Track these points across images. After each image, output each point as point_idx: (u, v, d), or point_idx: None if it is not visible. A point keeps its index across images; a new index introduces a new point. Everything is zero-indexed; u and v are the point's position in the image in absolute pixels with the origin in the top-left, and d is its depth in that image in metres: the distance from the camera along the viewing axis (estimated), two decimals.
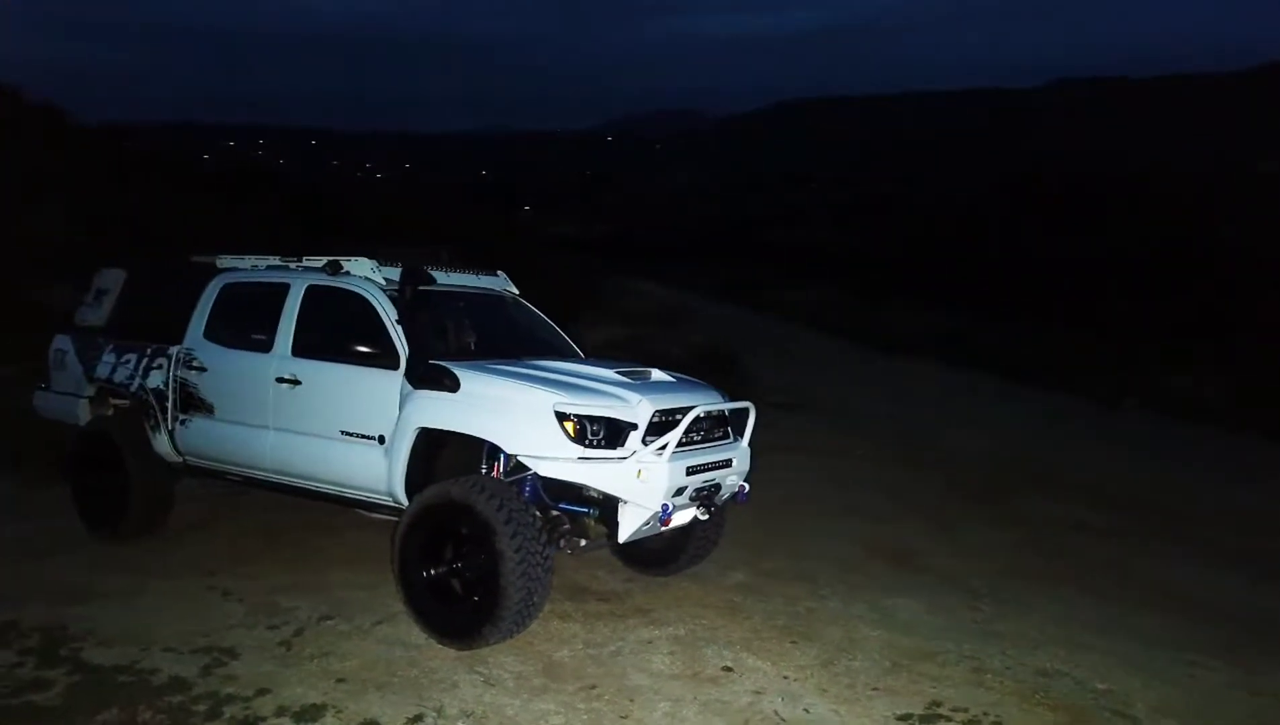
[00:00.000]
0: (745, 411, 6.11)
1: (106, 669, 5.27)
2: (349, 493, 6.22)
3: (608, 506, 5.64)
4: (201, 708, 4.84)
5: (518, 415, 5.45)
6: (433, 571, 5.55)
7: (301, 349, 6.42)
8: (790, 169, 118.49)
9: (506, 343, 6.81)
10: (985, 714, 4.82)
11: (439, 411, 5.66)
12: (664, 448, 5.47)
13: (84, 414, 7.62)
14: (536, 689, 5.05)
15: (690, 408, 5.68)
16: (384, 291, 6.28)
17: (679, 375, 6.46)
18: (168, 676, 5.17)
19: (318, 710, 4.80)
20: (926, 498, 10.40)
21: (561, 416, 5.37)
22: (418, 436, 5.75)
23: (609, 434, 5.43)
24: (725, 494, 5.99)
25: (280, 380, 6.41)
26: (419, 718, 4.74)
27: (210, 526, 7.90)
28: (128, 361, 7.34)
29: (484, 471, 5.86)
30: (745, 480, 6.18)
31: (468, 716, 4.75)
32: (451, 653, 5.45)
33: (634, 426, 5.49)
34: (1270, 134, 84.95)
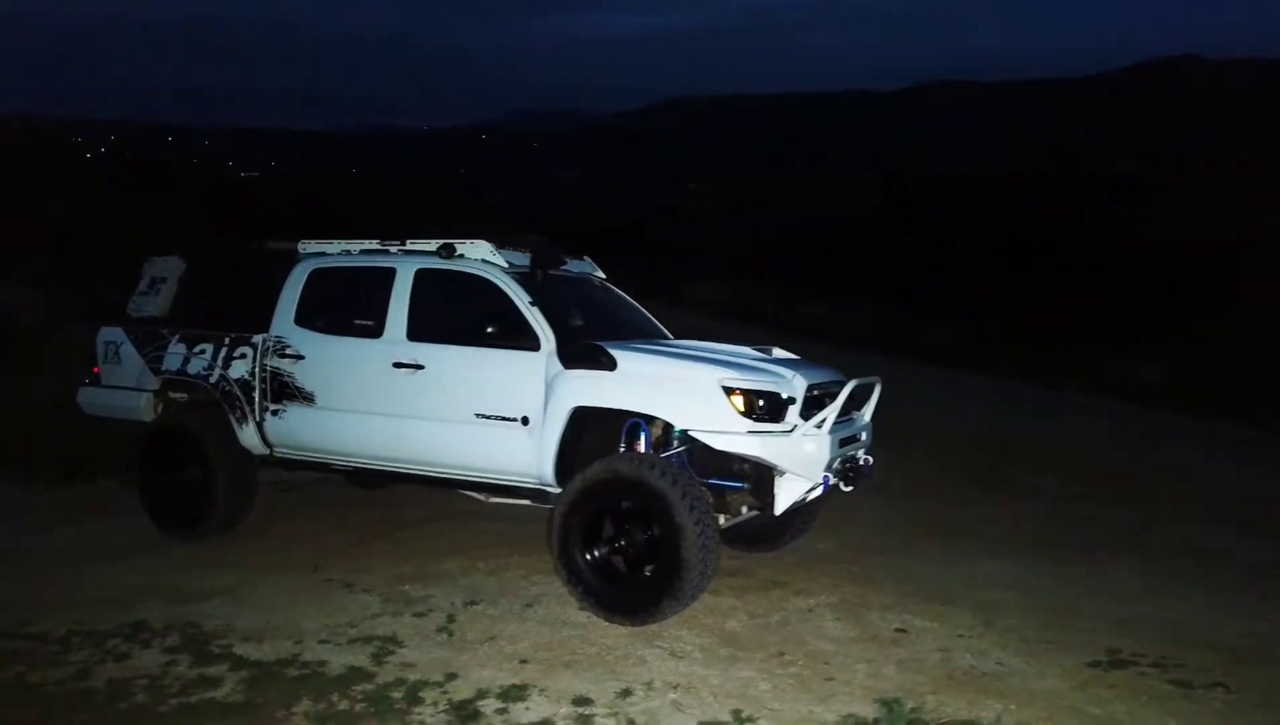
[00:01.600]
0: (871, 386, 6.31)
1: (269, 663, 5.14)
2: (482, 476, 6.15)
3: (762, 480, 5.76)
4: (398, 694, 4.76)
5: (685, 391, 5.51)
6: (597, 550, 5.56)
7: (419, 333, 6.31)
8: (672, 168, 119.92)
9: (605, 324, 6.83)
10: (1164, 658, 5.13)
11: (598, 390, 5.67)
12: (823, 422, 5.62)
13: (147, 409, 7.29)
14: (726, 659, 5.11)
15: (840, 383, 5.85)
16: (509, 274, 6.24)
17: (794, 355, 6.63)
18: (342, 667, 5.07)
19: (520, 690, 4.76)
20: (930, 477, 10.76)
21: (729, 391, 5.47)
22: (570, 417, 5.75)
23: (771, 409, 5.55)
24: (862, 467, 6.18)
25: (398, 365, 6.29)
26: (627, 692, 4.74)
27: (279, 521, 7.65)
28: (202, 352, 7.06)
29: (620, 450, 5.89)
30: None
31: (675, 688, 4.77)
32: (621, 630, 5.46)
33: (792, 401, 5.63)
34: (1129, 135, 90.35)
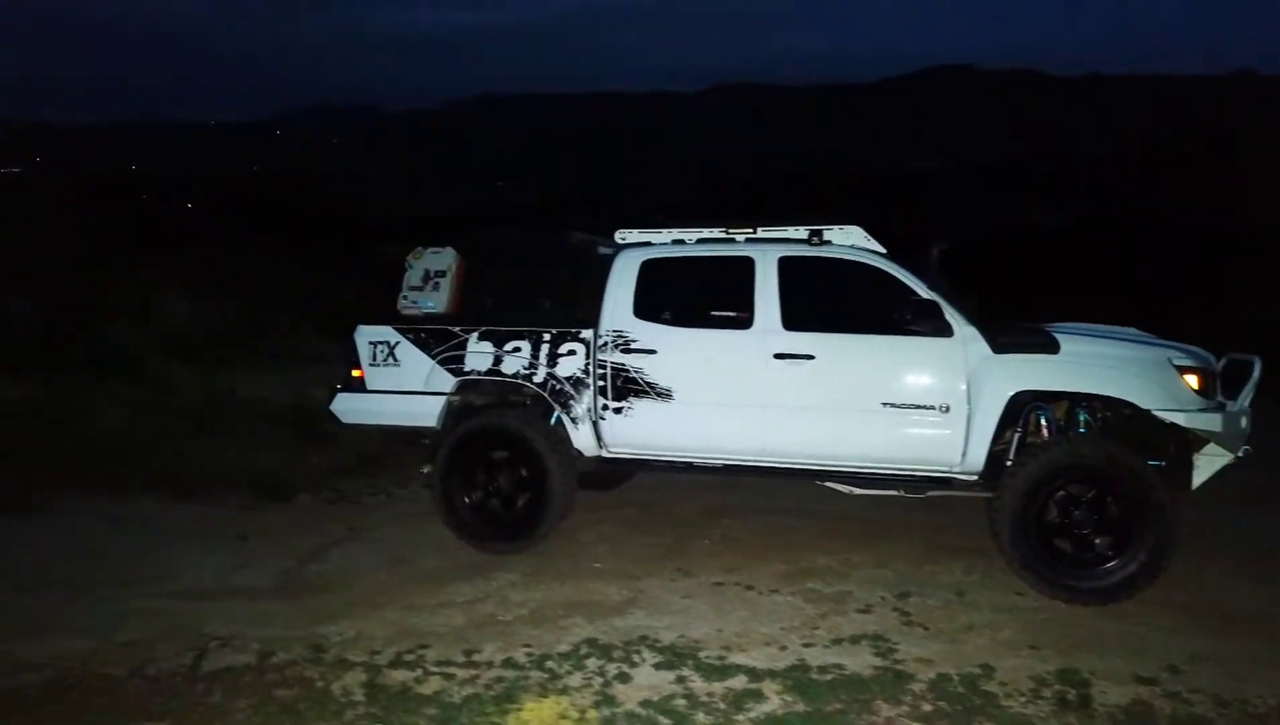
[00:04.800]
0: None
1: (780, 671, 4.89)
2: (883, 466, 6.06)
3: (1180, 456, 5.97)
4: (974, 690, 4.68)
5: (1141, 372, 5.64)
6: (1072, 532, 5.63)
7: (797, 323, 6.14)
8: (476, 166, 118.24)
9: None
10: None
11: (1041, 374, 5.70)
12: (1249, 397, 5.88)
13: (440, 414, 6.73)
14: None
15: (1252, 360, 6.06)
16: (891, 259, 6.18)
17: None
18: (868, 668, 4.92)
19: (1071, 674, 4.78)
20: None
21: (1181, 370, 5.65)
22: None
23: (1215, 386, 5.78)
24: None
25: (780, 356, 6.11)
26: (1173, 669, 4.85)
27: (586, 526, 7.23)
28: (517, 350, 6.59)
29: (1017, 433, 5.97)
30: None
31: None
32: (1114, 608, 5.53)
33: (1218, 377, 5.88)
34: (924, 136, 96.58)
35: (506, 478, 6.55)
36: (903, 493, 6.22)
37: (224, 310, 11.29)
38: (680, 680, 4.82)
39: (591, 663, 5.01)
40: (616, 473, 7.33)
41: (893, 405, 5.91)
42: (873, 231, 6.28)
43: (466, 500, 6.59)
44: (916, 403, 5.88)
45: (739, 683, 4.78)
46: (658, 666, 4.97)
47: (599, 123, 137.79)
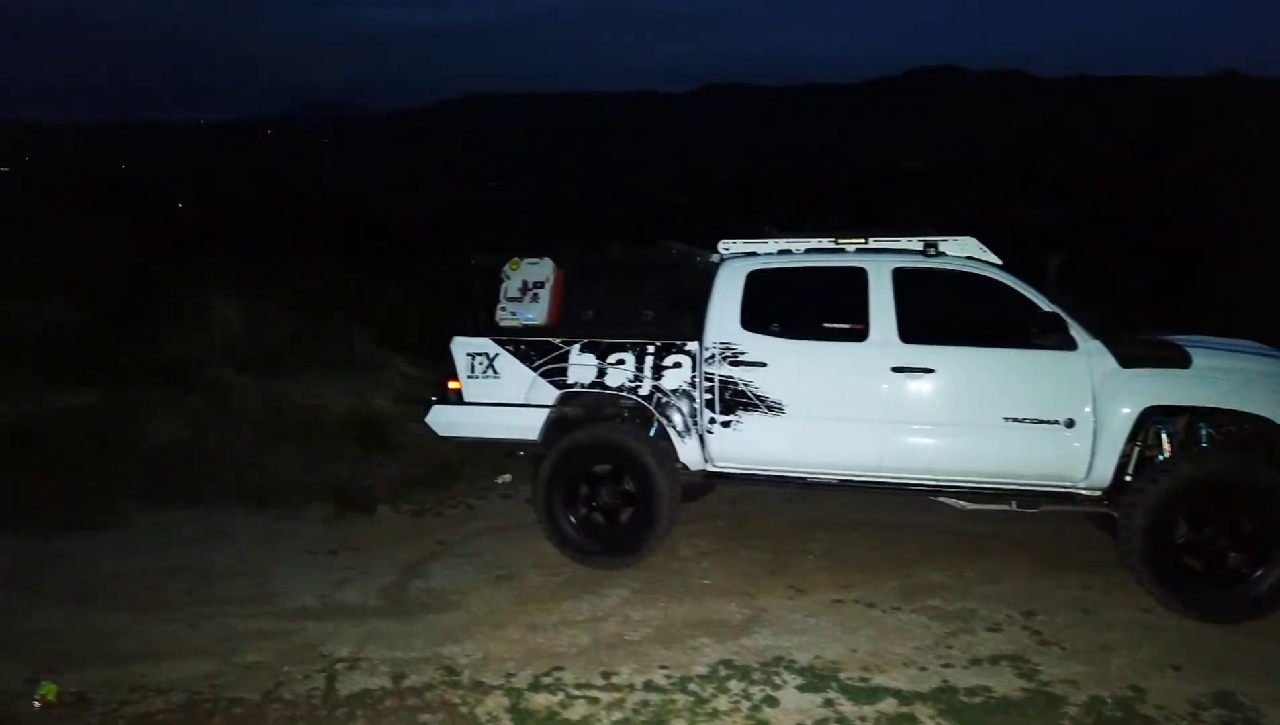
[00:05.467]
0: None
1: (926, 694, 4.81)
2: (1003, 481, 5.98)
3: None
4: (1126, 712, 4.63)
5: (1275, 386, 5.60)
6: (1191, 547, 5.57)
7: (914, 335, 6.06)
8: (462, 165, 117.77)
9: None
10: None
11: (1175, 389, 5.64)
12: None
13: (540, 427, 6.62)
14: None
15: None
16: (1008, 271, 6.11)
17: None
18: (1016, 690, 4.86)
19: (1226, 697, 4.73)
20: None
21: None
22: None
23: None
24: None
25: (899, 369, 6.04)
26: None
27: (681, 540, 7.12)
28: (620, 362, 6.49)
29: (1136, 448, 5.90)
30: None
31: None
32: (1246, 626, 5.48)
33: None
34: (912, 137, 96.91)
35: (609, 492, 6.44)
36: (1015, 507, 6.14)
37: (273, 317, 11.13)
38: (829, 704, 4.75)
39: (733, 685, 4.93)
40: (703, 484, 7.23)
41: (1015, 420, 5.84)
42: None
43: (570, 516, 6.46)
44: (1040, 417, 5.81)
45: (889, 706, 4.71)
46: (801, 689, 4.89)
47: (589, 122, 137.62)
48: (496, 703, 4.77)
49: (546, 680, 4.98)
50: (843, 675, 5.01)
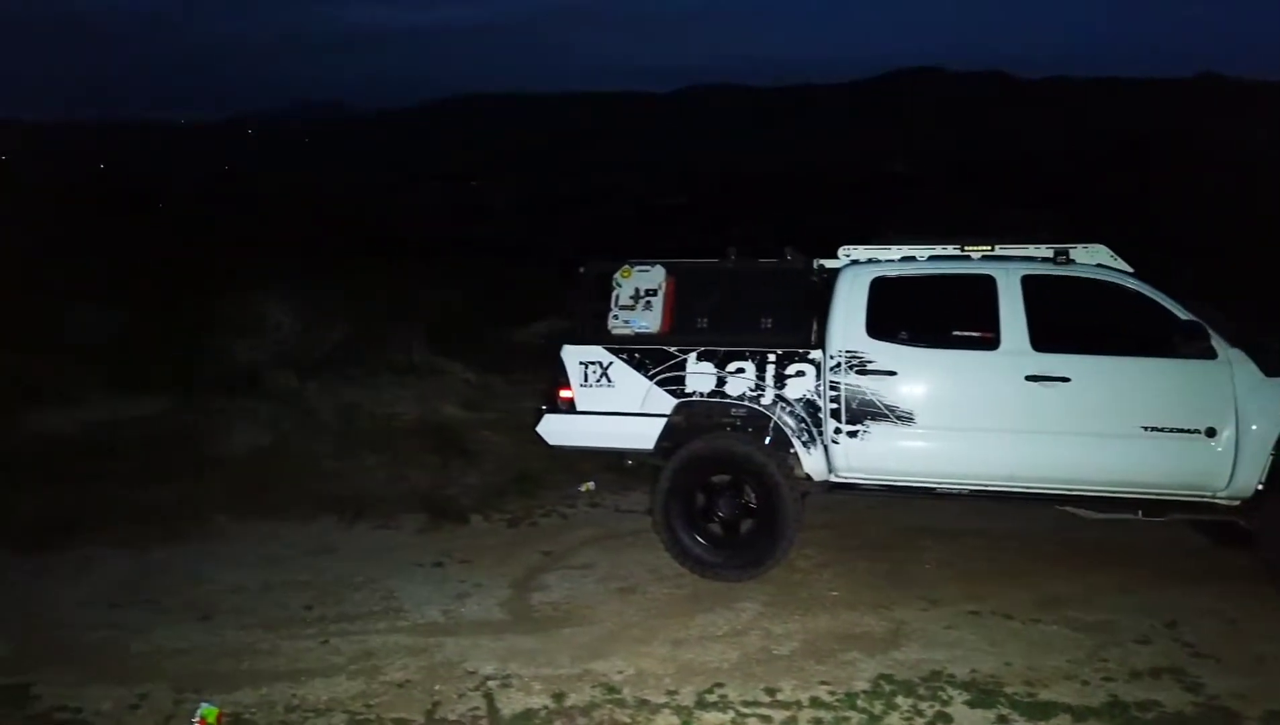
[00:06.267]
0: None
1: (1097, 708, 4.76)
2: (1138, 491, 5.94)
3: None
4: None
5: None
6: None
7: (1046, 344, 6.01)
8: (449, 165, 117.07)
9: None
10: None
11: None
12: None
13: (656, 436, 6.53)
14: None
15: None
16: (1140, 279, 6.08)
17: None
18: (1192, 705, 4.81)
19: None
20: None
21: None
22: None
23: None
24: None
25: (1033, 378, 5.98)
26: None
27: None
28: (741, 371, 6.41)
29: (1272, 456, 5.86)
30: None
31: None
32: None
33: None
34: (897, 138, 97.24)
35: (727, 503, 6.36)
36: (1141, 516, 6.10)
37: (325, 320, 10.97)
38: (1002, 720, 4.69)
39: (900, 701, 4.86)
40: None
41: (1155, 429, 5.81)
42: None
43: (690, 528, 6.38)
44: (1180, 427, 5.78)
45: (1064, 722, 4.64)
46: (971, 705, 4.83)
47: (573, 122, 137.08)
48: (667, 722, 4.68)
49: (710, 698, 4.90)
50: (1008, 690, 4.95)
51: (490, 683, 5.08)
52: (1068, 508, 6.24)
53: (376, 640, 5.61)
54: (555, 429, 6.71)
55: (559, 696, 4.91)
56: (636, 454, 6.73)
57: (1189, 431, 5.77)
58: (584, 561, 6.91)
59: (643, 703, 4.85)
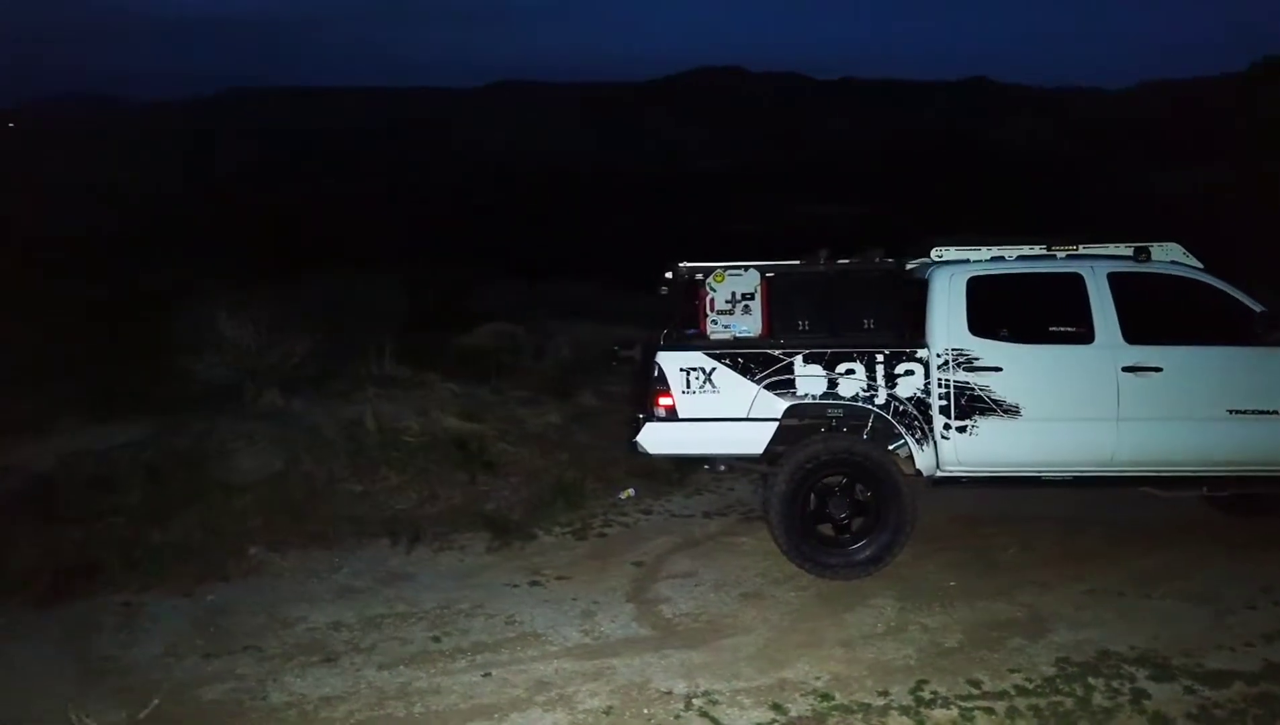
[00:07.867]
0: None
1: None
2: (1223, 469, 6.44)
3: None
4: None
5: None
6: None
7: (1137, 336, 6.42)
8: (244, 161, 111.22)
9: None
10: None
11: None
12: None
13: (766, 441, 6.53)
14: None
15: None
16: (1212, 274, 6.58)
17: None
18: None
19: None
20: None
21: None
22: None
23: None
24: None
25: (1129, 369, 6.37)
26: None
27: None
28: (850, 373, 6.49)
29: None
30: None
31: None
32: None
33: None
34: (703, 135, 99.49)
35: (837, 503, 6.43)
36: (1206, 492, 6.63)
37: (288, 336, 10.28)
38: (1191, 691, 5.01)
39: (1095, 682, 5.09)
40: None
41: (1239, 412, 6.30)
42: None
43: (807, 529, 6.42)
44: (1263, 408, 6.28)
45: (1242, 689, 4.99)
46: (1155, 680, 5.10)
47: (372, 119, 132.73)
48: (897, 722, 4.71)
49: (925, 695, 4.96)
50: (1174, 663, 5.24)
51: (695, 700, 4.94)
52: (1146, 489, 6.65)
53: (541, 668, 5.35)
54: (658, 438, 6.57)
55: (778, 708, 4.85)
56: (743, 460, 6.67)
57: (1272, 413, 6.28)
58: (683, 570, 6.80)
59: (864, 705, 4.87)
